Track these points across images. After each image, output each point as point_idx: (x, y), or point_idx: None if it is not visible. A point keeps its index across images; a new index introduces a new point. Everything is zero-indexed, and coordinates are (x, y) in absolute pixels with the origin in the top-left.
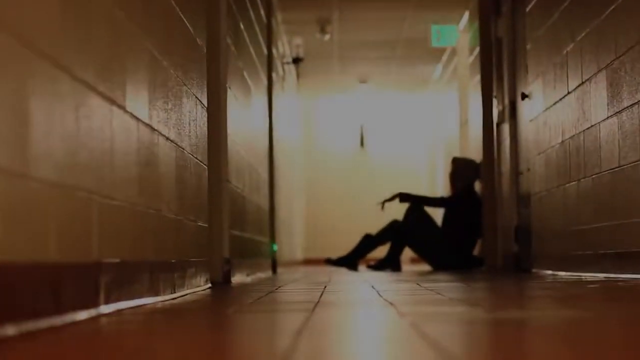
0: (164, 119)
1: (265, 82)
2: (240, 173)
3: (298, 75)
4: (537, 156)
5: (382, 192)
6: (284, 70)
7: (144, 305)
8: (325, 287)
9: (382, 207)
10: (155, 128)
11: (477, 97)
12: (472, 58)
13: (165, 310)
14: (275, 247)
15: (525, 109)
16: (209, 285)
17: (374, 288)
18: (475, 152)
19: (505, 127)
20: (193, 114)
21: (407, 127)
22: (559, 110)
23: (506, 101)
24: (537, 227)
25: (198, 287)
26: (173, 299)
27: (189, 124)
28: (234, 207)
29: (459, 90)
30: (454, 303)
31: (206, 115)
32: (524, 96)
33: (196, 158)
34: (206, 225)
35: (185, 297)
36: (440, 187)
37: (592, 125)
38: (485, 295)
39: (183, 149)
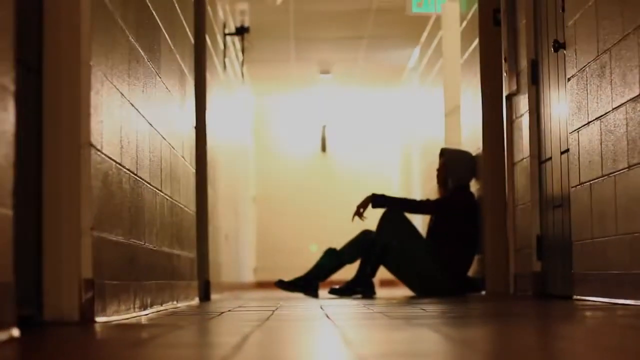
0: None
1: (191, 40)
2: (132, 144)
3: (243, 50)
4: (583, 129)
5: (347, 204)
6: (225, 44)
7: None
8: (249, 334)
9: (361, 217)
10: None
11: (473, 70)
12: (464, 24)
13: None
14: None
15: (558, 66)
16: (13, 333)
17: (348, 345)
18: (470, 143)
19: (521, 99)
20: None
21: (376, 127)
22: (634, 45)
23: (522, 63)
24: (581, 233)
25: None
26: None
27: None
28: (112, 196)
29: (444, 72)
30: None
31: None
32: (557, 46)
33: None
34: (8, 211)
35: None
36: (417, 197)
37: None
38: None
39: None
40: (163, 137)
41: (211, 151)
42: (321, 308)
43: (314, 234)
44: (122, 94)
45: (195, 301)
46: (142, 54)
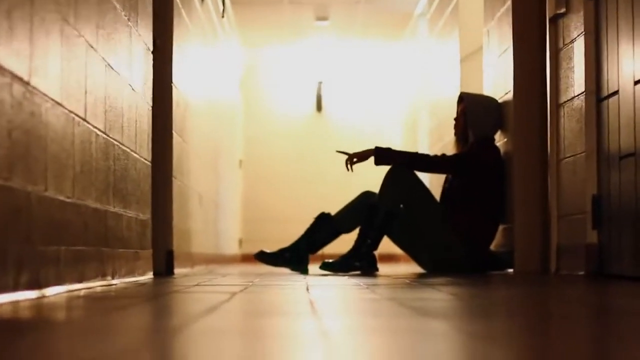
0: None
1: None
2: (18, 30)
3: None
4: None
5: (344, 169)
6: None
7: None
8: None
9: (350, 167)
10: None
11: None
12: None
13: None
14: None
15: None
16: None
17: None
18: (495, 89)
19: (573, 20)
20: None
21: (378, 83)
22: None
23: None
24: None
25: None
26: None
27: None
28: None
29: (460, 8)
30: None
31: None
32: None
33: None
34: None
35: None
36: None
37: None
38: None
39: None
40: (90, 45)
41: (180, 91)
42: (307, 290)
43: (308, 202)
44: None
45: (147, 276)
46: None
